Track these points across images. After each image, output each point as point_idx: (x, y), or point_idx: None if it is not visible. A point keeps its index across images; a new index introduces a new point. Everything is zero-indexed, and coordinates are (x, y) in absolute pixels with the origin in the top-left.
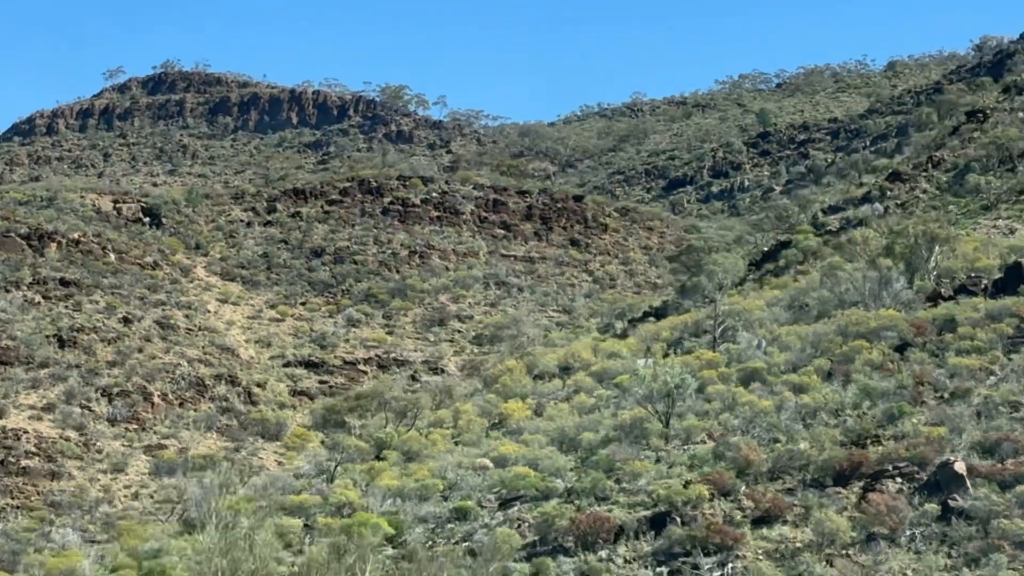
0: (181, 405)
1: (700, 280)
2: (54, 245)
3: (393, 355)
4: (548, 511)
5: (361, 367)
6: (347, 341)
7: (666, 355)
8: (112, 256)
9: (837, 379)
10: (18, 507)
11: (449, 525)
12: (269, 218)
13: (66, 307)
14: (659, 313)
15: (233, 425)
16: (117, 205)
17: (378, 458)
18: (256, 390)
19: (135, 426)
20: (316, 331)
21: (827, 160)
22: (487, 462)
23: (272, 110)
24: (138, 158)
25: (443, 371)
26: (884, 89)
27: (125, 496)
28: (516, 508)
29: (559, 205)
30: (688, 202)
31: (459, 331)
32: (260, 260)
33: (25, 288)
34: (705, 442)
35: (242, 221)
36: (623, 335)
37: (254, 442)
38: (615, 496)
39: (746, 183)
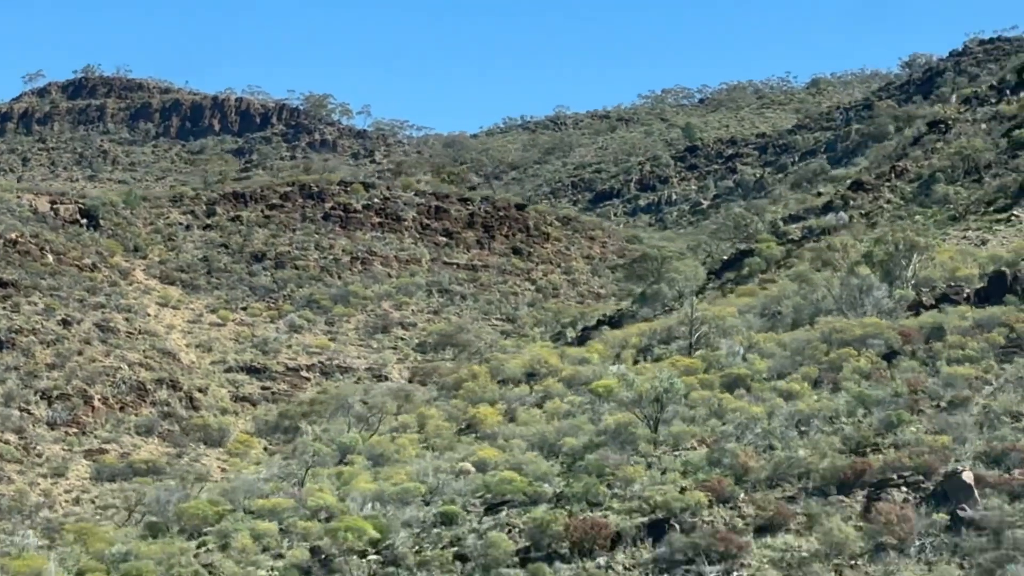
0: (122, 409)
1: (661, 288)
2: None
3: (336, 362)
4: (540, 516)
5: (304, 373)
6: (289, 347)
7: (636, 361)
8: (50, 257)
9: (825, 386)
10: None
11: (435, 530)
12: (208, 221)
13: (3, 308)
14: (613, 321)
15: (175, 430)
16: (54, 206)
17: (342, 463)
18: (198, 395)
19: (75, 430)
20: (258, 336)
21: (755, 175)
22: (468, 466)
23: (194, 117)
24: (58, 163)
25: (387, 378)
26: (811, 105)
27: (66, 501)
28: (504, 513)
29: (501, 213)
30: (615, 215)
31: (402, 338)
32: (200, 264)
33: None
34: (696, 448)
35: (181, 224)
36: (581, 342)
37: (196, 448)
38: (608, 502)
39: (674, 197)
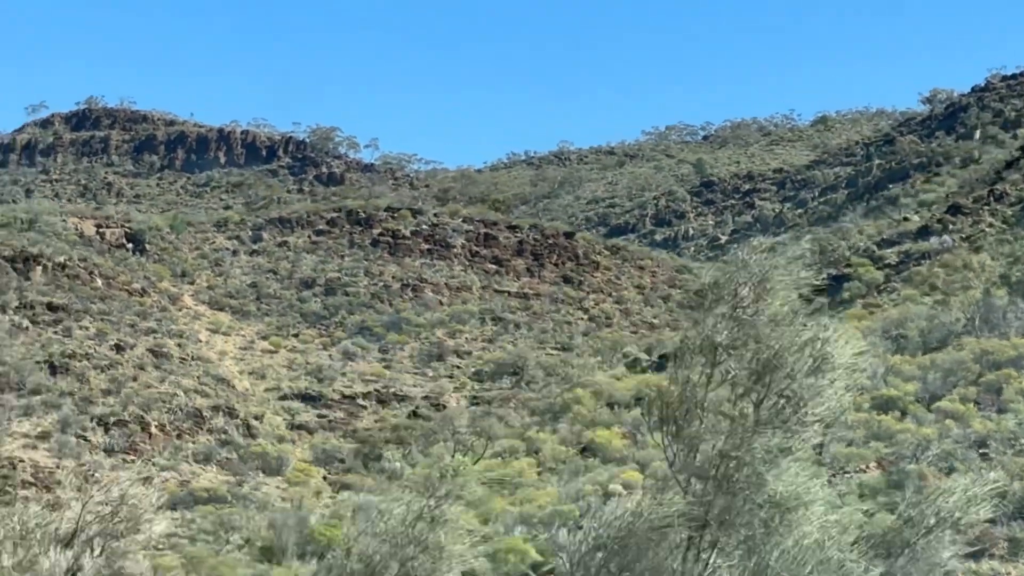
0: (179, 437)
1: None
2: (39, 269)
3: (392, 390)
4: None
5: (360, 402)
6: (344, 375)
7: None
8: (99, 281)
9: (988, 408)
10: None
11: (599, 554)
12: (255, 247)
13: (55, 332)
14: None
15: (233, 458)
16: (100, 230)
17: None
18: (254, 423)
19: (133, 457)
20: (311, 364)
21: (774, 210)
22: (620, 488)
23: (199, 149)
24: (61, 195)
25: (445, 407)
26: (826, 139)
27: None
28: None
29: (550, 241)
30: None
31: (458, 366)
32: (248, 290)
33: (11, 312)
34: (868, 470)
35: (227, 249)
36: (659, 369)
37: (255, 476)
38: None
39: (691, 231)
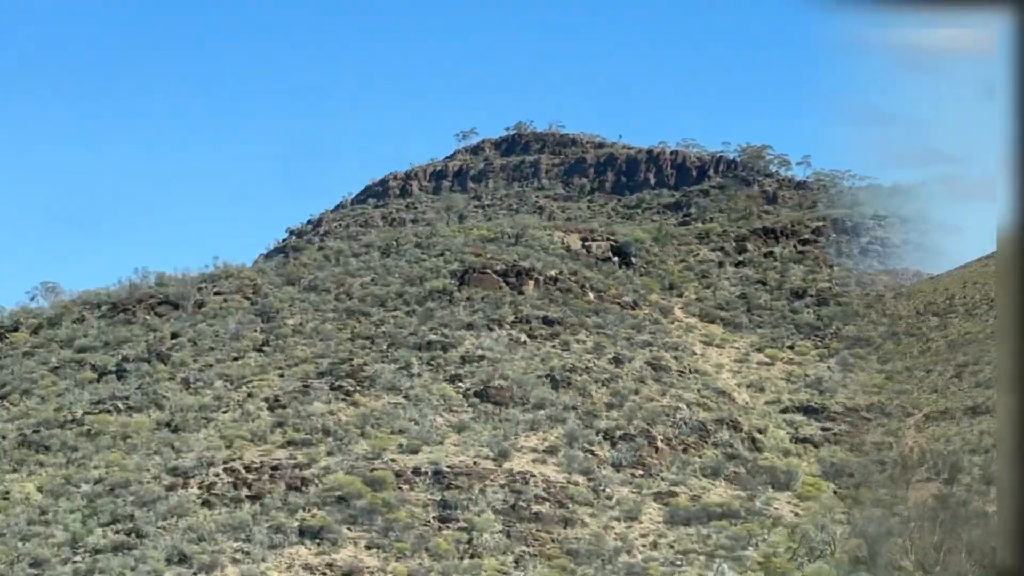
0: (685, 451)
1: None
2: (532, 283)
3: (897, 403)
4: None
5: (864, 414)
6: (844, 387)
7: None
8: (591, 295)
9: None
10: (535, 555)
11: None
12: (740, 258)
13: (553, 347)
14: None
15: (741, 472)
16: (586, 243)
17: None
18: (758, 436)
19: (641, 472)
20: (810, 376)
21: None
22: None
23: (629, 171)
24: (493, 219)
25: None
26: None
27: (643, 545)
28: None
29: None
30: None
31: None
32: (738, 301)
33: (508, 326)
34: None
35: (713, 261)
36: None
37: (765, 491)
38: None
39: None
